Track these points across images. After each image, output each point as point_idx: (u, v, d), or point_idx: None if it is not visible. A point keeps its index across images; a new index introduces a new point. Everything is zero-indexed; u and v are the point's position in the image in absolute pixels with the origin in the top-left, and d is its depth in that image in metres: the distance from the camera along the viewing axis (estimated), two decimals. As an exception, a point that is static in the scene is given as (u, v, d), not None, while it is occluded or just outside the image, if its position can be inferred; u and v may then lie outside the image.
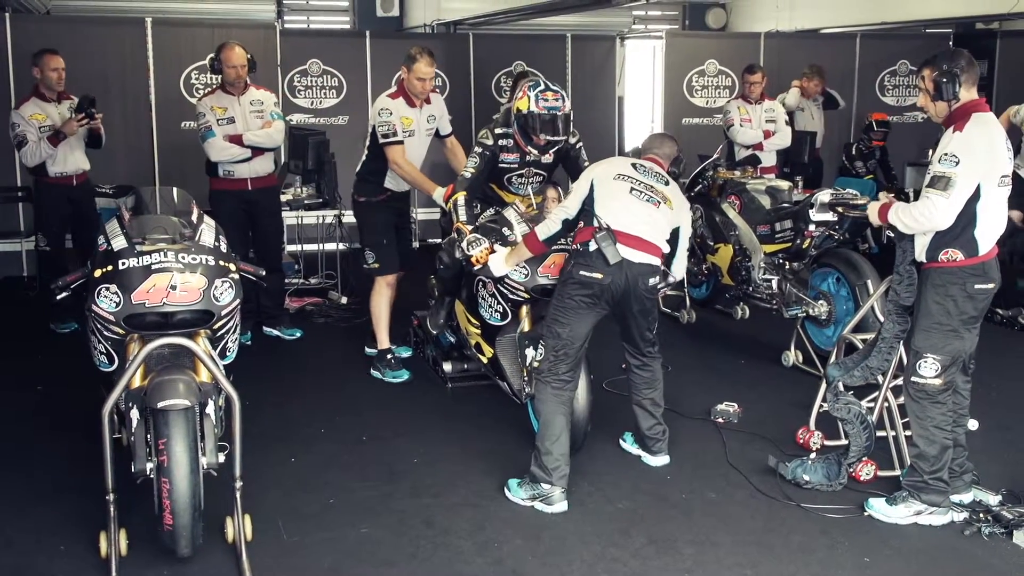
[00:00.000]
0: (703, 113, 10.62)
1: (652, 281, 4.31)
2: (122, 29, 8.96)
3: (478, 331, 5.16)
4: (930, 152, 4.02)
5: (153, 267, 3.58)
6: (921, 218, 3.84)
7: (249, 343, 6.18)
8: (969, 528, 3.92)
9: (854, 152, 9.96)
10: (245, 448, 3.66)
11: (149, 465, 3.45)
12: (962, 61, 3.87)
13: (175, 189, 4.29)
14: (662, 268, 4.38)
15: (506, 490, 4.25)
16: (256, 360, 5.96)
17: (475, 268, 4.81)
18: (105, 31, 8.89)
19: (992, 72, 10.81)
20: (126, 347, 3.72)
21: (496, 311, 4.90)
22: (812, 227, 5.83)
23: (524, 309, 4.79)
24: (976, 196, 3.80)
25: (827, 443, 4.68)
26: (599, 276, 4.21)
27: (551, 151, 5.13)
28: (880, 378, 4.40)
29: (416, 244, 9.53)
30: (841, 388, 4.35)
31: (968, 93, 3.88)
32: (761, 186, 6.66)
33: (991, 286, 3.93)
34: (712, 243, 6.77)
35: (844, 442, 4.47)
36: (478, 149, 5.15)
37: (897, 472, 4.29)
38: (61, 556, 3.69)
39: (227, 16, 10.55)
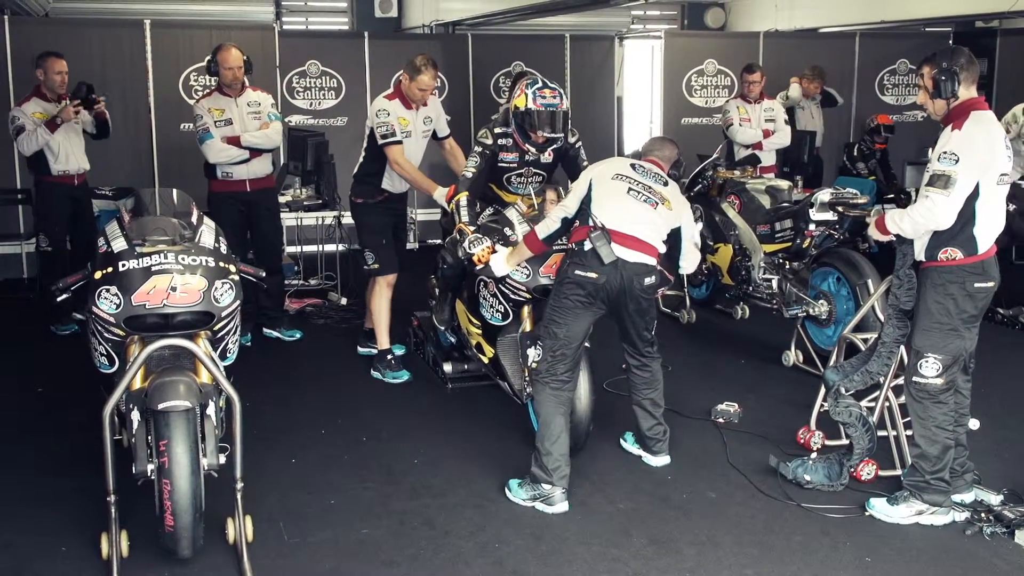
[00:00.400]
0: (702, 113, 10.62)
1: (648, 281, 4.31)
2: (121, 31, 8.95)
3: (479, 331, 5.16)
4: (929, 151, 4.01)
5: (153, 269, 3.57)
6: (921, 219, 3.83)
7: (249, 344, 6.18)
8: (971, 528, 3.92)
9: (855, 153, 9.96)
10: (246, 449, 3.66)
11: (150, 466, 3.45)
12: (962, 59, 3.87)
13: (175, 191, 4.29)
14: (659, 268, 4.38)
15: (507, 491, 4.25)
16: (256, 361, 5.97)
17: (477, 268, 4.81)
18: (104, 33, 8.88)
19: (992, 70, 10.82)
20: (126, 349, 3.72)
21: (497, 311, 4.90)
22: (812, 227, 5.83)
23: (525, 309, 4.79)
24: (975, 194, 3.80)
25: (828, 443, 4.67)
26: (594, 275, 4.21)
27: (550, 149, 5.14)
28: (881, 379, 4.40)
29: (416, 245, 9.57)
30: (842, 391, 4.34)
31: (967, 91, 3.88)
32: (761, 186, 6.67)
33: (991, 284, 3.92)
34: (712, 243, 6.77)
35: (845, 442, 4.47)
36: (478, 148, 5.16)
37: (898, 472, 4.29)
38: (62, 557, 3.70)
39: (225, 18, 10.53)
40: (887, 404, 4.49)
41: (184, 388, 3.44)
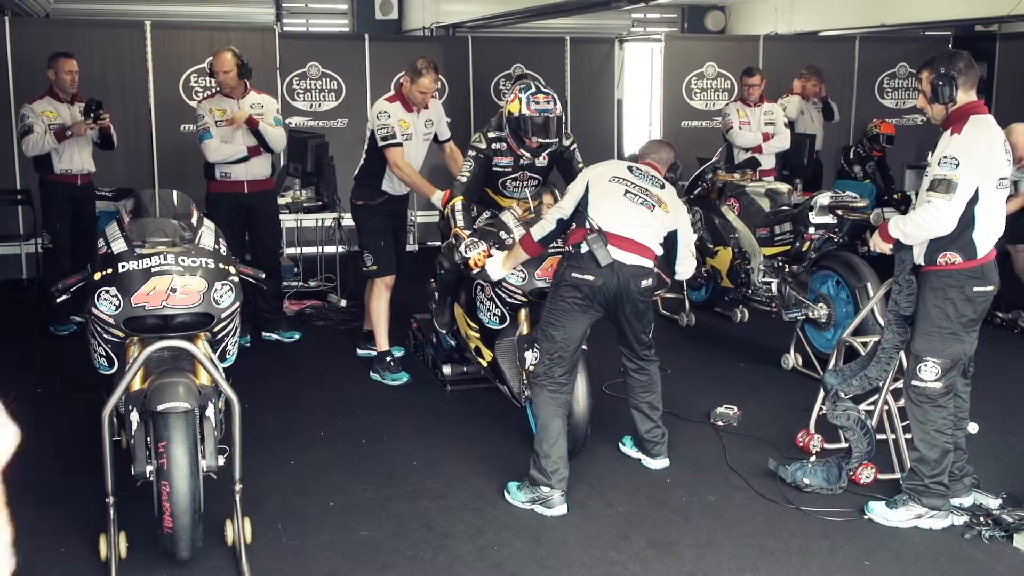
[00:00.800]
0: (702, 116, 10.63)
1: (645, 283, 4.30)
2: (121, 33, 8.96)
3: (477, 335, 5.16)
4: (929, 155, 4.01)
5: (153, 270, 3.58)
6: (924, 223, 3.83)
7: (248, 345, 6.18)
8: (969, 531, 3.92)
9: (851, 156, 9.96)
10: (245, 451, 3.66)
11: (149, 468, 3.45)
12: (960, 63, 3.87)
13: (175, 192, 4.28)
14: (656, 271, 4.38)
15: (506, 493, 4.25)
16: (256, 363, 5.97)
17: (473, 272, 4.82)
18: (104, 34, 8.89)
19: (991, 74, 10.82)
20: (126, 350, 3.72)
21: (494, 315, 4.90)
22: (812, 230, 5.83)
23: (523, 312, 4.79)
24: (975, 198, 3.80)
25: (827, 446, 4.68)
26: (590, 278, 4.21)
27: (544, 153, 5.14)
28: (880, 384, 4.40)
29: (416, 247, 9.56)
30: (841, 395, 4.34)
31: (967, 95, 3.87)
32: (760, 189, 6.67)
33: (990, 288, 3.92)
34: (711, 246, 6.77)
35: (844, 445, 4.47)
36: (471, 153, 5.16)
37: (897, 475, 4.29)
38: (61, 559, 3.69)
39: (226, 19, 10.53)
40: (886, 408, 4.48)
41: (183, 389, 3.44)
